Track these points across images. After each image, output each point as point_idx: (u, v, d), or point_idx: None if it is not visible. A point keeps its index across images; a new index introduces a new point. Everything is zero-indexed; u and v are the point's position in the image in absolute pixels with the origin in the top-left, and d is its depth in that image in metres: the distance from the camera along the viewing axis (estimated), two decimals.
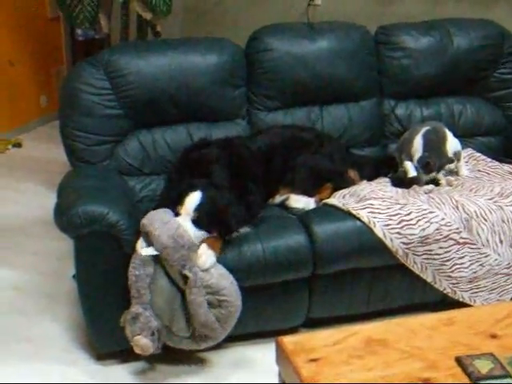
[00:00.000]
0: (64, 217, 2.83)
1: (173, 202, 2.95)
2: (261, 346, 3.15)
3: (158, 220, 2.82)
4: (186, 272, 2.76)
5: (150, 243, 2.80)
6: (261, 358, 3.08)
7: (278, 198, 3.36)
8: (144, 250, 2.79)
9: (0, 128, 5.84)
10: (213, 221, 2.90)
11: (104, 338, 3.04)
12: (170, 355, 3.01)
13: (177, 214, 2.90)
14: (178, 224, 2.82)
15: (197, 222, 2.88)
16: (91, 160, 3.42)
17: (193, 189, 2.94)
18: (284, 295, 3.11)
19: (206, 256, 2.81)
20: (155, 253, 2.77)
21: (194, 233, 2.84)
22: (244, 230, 3.03)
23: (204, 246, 2.83)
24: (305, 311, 3.18)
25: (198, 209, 2.89)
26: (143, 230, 2.83)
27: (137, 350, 2.85)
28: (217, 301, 2.80)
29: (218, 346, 3.06)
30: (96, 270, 2.91)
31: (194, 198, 2.91)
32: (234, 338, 3.10)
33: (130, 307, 2.83)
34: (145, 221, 2.85)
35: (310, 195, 3.33)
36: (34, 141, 5.94)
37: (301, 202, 3.30)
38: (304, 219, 3.15)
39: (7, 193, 4.94)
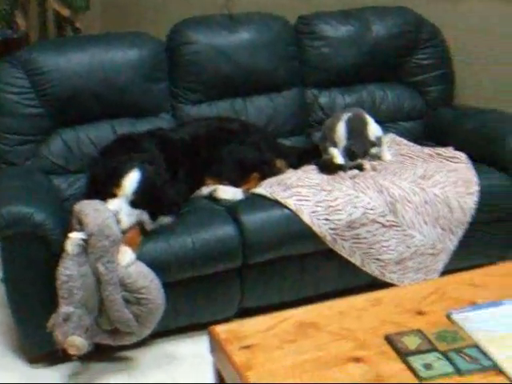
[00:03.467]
0: None
1: (107, 183, 2.91)
2: (195, 339, 3.15)
3: (90, 207, 2.80)
4: (100, 265, 2.73)
5: (80, 230, 2.78)
6: (195, 351, 3.08)
7: (205, 190, 3.36)
8: (73, 233, 2.76)
9: None
10: (150, 200, 2.90)
11: (35, 341, 2.99)
12: (100, 354, 2.98)
13: (113, 195, 2.87)
14: (110, 215, 2.80)
15: (134, 203, 2.87)
16: (14, 161, 3.36)
17: (128, 167, 2.92)
18: (215, 287, 3.12)
19: (125, 253, 2.80)
20: (82, 237, 2.74)
21: (129, 216, 2.83)
22: (167, 220, 3.03)
23: (124, 244, 2.82)
24: (237, 301, 3.19)
25: (137, 191, 2.88)
26: (75, 217, 2.81)
27: (72, 351, 2.79)
28: (135, 299, 2.79)
29: (150, 342, 3.07)
30: (24, 271, 2.86)
31: (132, 179, 2.89)
32: (165, 333, 3.11)
33: (59, 308, 2.77)
34: (77, 206, 2.82)
35: (238, 186, 3.34)
36: None
37: (228, 192, 3.31)
38: (232, 210, 3.17)
39: None
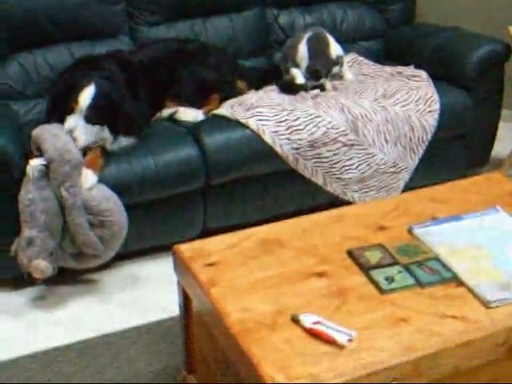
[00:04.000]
0: None
1: (65, 100, 2.88)
2: (158, 260, 3.18)
3: (48, 132, 2.77)
4: (62, 191, 2.73)
5: (40, 155, 2.76)
6: (159, 271, 3.11)
7: (165, 112, 3.33)
8: (33, 160, 2.73)
9: None
10: (107, 116, 2.88)
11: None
12: (65, 277, 3.00)
13: (70, 111, 2.85)
14: (68, 139, 2.78)
15: (90, 118, 2.85)
16: None
17: (85, 82, 2.89)
18: (178, 208, 3.13)
19: (87, 176, 2.79)
20: (42, 163, 2.73)
21: (85, 134, 2.82)
22: (128, 141, 3.01)
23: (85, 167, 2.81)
24: (200, 222, 3.21)
25: (93, 105, 2.85)
26: (34, 143, 2.78)
27: (36, 275, 2.81)
28: (99, 221, 2.79)
29: (113, 264, 3.09)
30: None
31: (87, 93, 2.86)
32: (129, 255, 3.13)
33: (22, 233, 2.78)
34: (35, 132, 2.80)
35: (198, 107, 3.32)
36: None
37: (189, 114, 3.29)
38: (194, 131, 3.16)
39: None
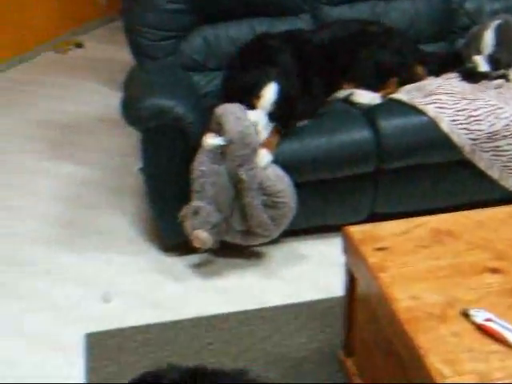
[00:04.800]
0: (132, 110, 2.86)
1: (245, 93, 2.94)
2: (324, 240, 3.19)
3: (230, 113, 2.83)
4: (241, 173, 2.79)
5: (218, 134, 2.82)
6: (324, 251, 3.12)
7: (342, 93, 3.31)
8: (212, 139, 2.81)
9: (57, 29, 5.84)
10: (285, 112, 2.91)
11: (169, 230, 3.11)
12: (228, 248, 3.07)
13: (251, 106, 2.90)
14: (250, 123, 2.83)
15: (271, 114, 2.89)
16: (155, 55, 3.40)
17: (267, 79, 2.93)
18: (348, 190, 3.12)
19: (262, 155, 2.83)
20: (221, 143, 2.79)
21: (266, 127, 2.86)
22: (303, 123, 3.03)
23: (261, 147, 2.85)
24: (369, 206, 3.18)
25: (277, 102, 2.89)
26: (215, 120, 2.85)
27: (196, 244, 2.90)
28: (272, 202, 2.84)
29: (279, 240, 3.12)
30: (162, 163, 2.95)
31: (271, 91, 2.91)
32: (295, 233, 3.16)
33: (191, 202, 2.87)
34: (219, 111, 2.86)
35: (375, 90, 3.27)
36: (94, 42, 5.95)
37: (366, 97, 3.25)
38: (369, 114, 3.12)
39: (70, 92, 4.99)
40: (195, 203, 2.86)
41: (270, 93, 2.91)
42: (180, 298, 2.91)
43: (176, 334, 2.72)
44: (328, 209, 3.15)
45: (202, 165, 2.83)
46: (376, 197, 3.16)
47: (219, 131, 2.82)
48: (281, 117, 2.91)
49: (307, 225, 3.17)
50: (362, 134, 3.02)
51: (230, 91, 3.10)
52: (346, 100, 3.29)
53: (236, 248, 3.09)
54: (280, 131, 2.95)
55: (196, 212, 2.86)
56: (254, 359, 2.56)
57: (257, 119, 2.87)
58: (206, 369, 1.73)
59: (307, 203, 3.03)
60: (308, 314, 2.78)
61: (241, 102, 2.93)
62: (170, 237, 3.14)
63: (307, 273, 3.03)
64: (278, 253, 3.16)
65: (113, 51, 5.54)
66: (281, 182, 2.85)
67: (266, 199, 2.84)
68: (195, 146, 2.87)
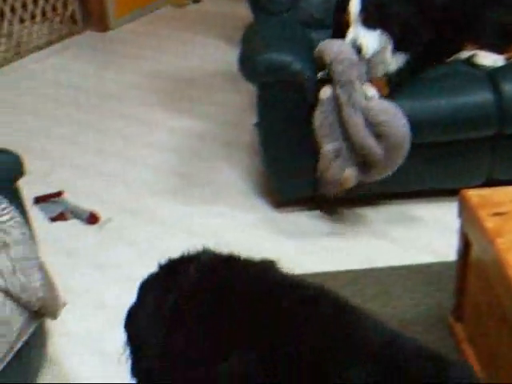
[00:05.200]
0: (249, 64, 2.87)
1: (338, 15, 2.96)
2: (437, 203, 3.14)
3: (326, 43, 2.91)
4: (337, 88, 2.79)
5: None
6: (437, 214, 3.07)
7: (463, 54, 3.21)
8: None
9: None
10: (379, 17, 2.87)
11: (285, 186, 3.13)
12: (342, 206, 3.08)
13: (347, 25, 2.89)
14: (343, 43, 2.87)
15: (364, 22, 2.86)
16: (274, 10, 3.40)
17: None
18: (465, 153, 3.03)
19: (368, 89, 2.85)
20: (326, 76, 2.85)
21: (368, 39, 2.85)
22: (404, 58, 3.00)
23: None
24: (486, 172, 3.09)
25: (363, 9, 2.86)
26: (318, 57, 2.90)
27: (346, 185, 2.89)
28: (376, 132, 2.81)
29: (391, 201, 3.12)
30: (278, 118, 2.96)
31: (354, 2, 2.88)
32: (408, 194, 3.12)
33: (324, 149, 2.86)
34: (318, 47, 2.93)
35: (500, 52, 3.16)
36: None
37: (489, 58, 3.13)
38: (492, 76, 3.02)
39: (187, 46, 5.06)
40: (331, 146, 2.86)
41: (354, 4, 2.88)
42: (288, 255, 2.93)
43: None
44: (443, 172, 3.08)
45: (324, 106, 2.84)
46: (494, 162, 3.06)
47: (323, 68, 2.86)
48: (377, 22, 2.87)
49: (421, 187, 3.12)
50: (483, 97, 2.92)
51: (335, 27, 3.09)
52: (468, 61, 3.20)
53: (347, 208, 3.09)
54: (389, 81, 2.93)
55: (337, 154, 2.86)
56: None
57: (354, 35, 2.86)
58: (239, 257, 1.75)
59: (422, 165, 2.98)
60: (417, 277, 2.75)
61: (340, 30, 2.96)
62: (282, 193, 3.16)
63: (419, 235, 2.99)
64: (389, 215, 3.13)
65: (230, 6, 5.57)
66: (385, 113, 2.81)
67: (373, 129, 2.81)
68: (312, 101, 2.86)
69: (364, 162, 2.87)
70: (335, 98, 2.82)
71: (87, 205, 3.27)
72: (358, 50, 2.84)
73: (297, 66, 2.82)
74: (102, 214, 3.22)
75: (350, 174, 2.85)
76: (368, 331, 1.55)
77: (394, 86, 2.93)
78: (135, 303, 1.81)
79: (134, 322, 1.78)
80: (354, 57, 2.83)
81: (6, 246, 2.09)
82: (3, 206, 2.16)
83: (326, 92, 2.83)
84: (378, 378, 1.41)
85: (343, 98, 2.79)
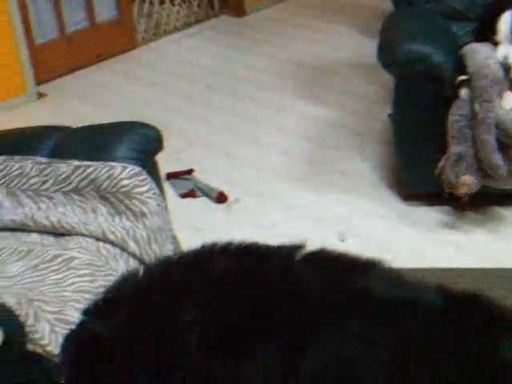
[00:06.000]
0: (389, 54, 2.86)
1: (485, 32, 2.91)
2: None
3: (471, 49, 2.84)
4: (475, 104, 2.71)
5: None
6: None
7: None
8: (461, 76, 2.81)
9: None
10: None
11: (414, 179, 3.10)
12: (468, 206, 3.01)
13: (495, 44, 2.84)
14: (489, 55, 2.77)
15: None
16: (415, 1, 3.36)
17: (500, 10, 2.87)
18: None
19: (509, 98, 2.74)
20: (464, 78, 2.77)
21: None
22: None
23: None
24: None
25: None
26: (461, 59, 2.83)
27: (462, 190, 2.83)
28: (507, 142, 2.73)
29: None
30: (414, 111, 2.94)
31: (504, 20, 2.83)
32: None
33: (450, 149, 2.81)
34: (462, 50, 2.86)
35: None
36: None
37: None
38: None
39: (322, 35, 5.05)
40: (456, 149, 2.80)
41: (503, 22, 2.81)
42: (414, 247, 2.91)
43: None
44: None
45: (460, 109, 2.79)
46: None
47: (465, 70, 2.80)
48: None
49: None
50: None
51: (480, 25, 3.04)
52: None
53: (478, 206, 3.03)
54: None
55: (459, 158, 2.80)
56: None
57: (505, 53, 2.78)
58: (260, 245, 1.71)
59: None
60: None
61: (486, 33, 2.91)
62: (412, 186, 3.13)
63: None
64: None
65: None
66: None
67: (504, 139, 2.73)
68: (450, 95, 2.82)
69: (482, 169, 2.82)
70: (472, 112, 2.76)
71: (216, 184, 3.34)
72: (507, 68, 2.77)
73: (437, 58, 2.80)
74: (230, 195, 3.29)
75: (468, 180, 2.78)
76: None
77: None
78: None
79: None
80: (500, 74, 2.75)
81: (143, 215, 2.17)
82: (143, 177, 2.23)
83: (465, 92, 2.78)
84: None
85: (480, 115, 2.72)
